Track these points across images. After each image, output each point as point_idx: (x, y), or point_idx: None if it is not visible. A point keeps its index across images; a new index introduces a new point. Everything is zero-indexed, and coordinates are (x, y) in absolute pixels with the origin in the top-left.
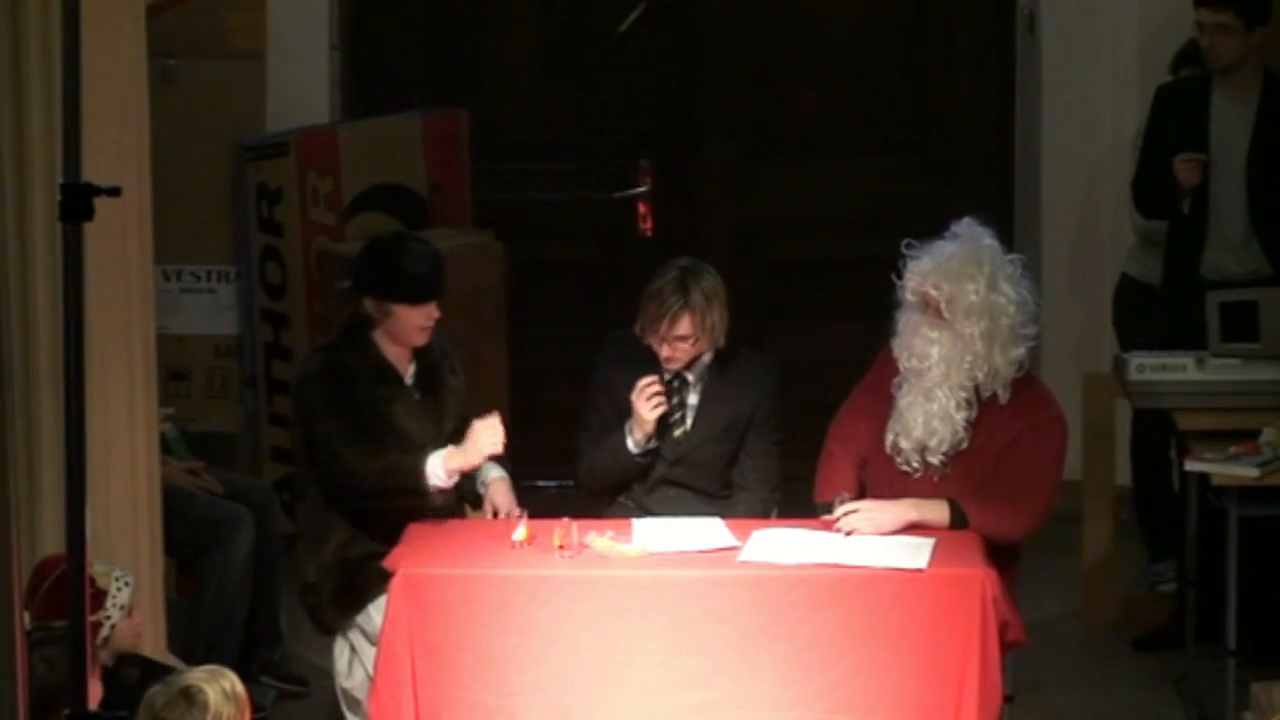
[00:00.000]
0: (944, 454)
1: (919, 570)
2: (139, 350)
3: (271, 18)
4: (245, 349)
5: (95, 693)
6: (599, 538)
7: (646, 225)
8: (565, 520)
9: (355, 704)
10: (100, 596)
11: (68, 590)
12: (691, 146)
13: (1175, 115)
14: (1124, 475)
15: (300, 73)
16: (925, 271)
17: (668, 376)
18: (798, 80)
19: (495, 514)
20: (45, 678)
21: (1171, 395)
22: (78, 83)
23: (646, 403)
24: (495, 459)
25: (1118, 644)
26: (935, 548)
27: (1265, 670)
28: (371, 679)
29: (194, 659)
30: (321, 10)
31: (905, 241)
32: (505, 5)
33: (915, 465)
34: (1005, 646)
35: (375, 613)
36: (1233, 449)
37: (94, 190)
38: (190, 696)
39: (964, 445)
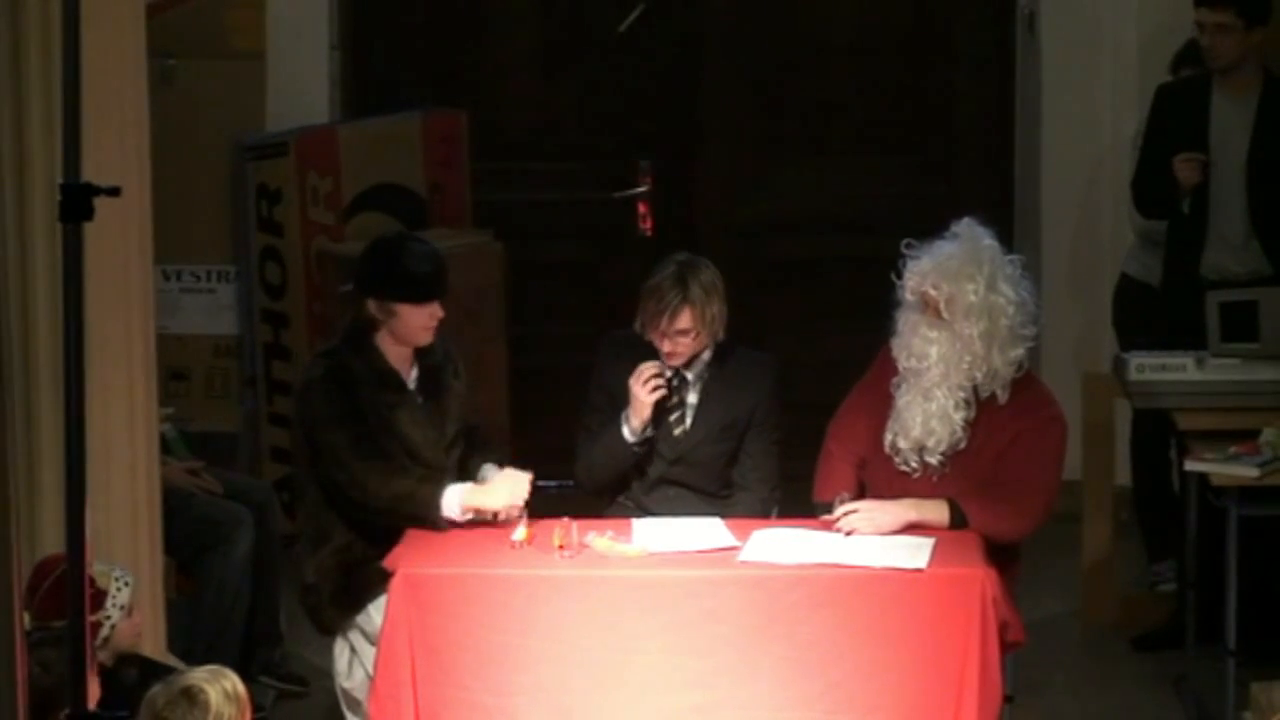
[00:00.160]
0: (942, 454)
1: (919, 570)
2: (139, 350)
3: (271, 18)
4: (245, 349)
5: (93, 692)
6: (599, 538)
7: (646, 225)
8: (565, 520)
9: (355, 704)
10: (100, 596)
11: (68, 590)
12: (691, 146)
13: (1175, 115)
14: (1124, 475)
15: (300, 73)
16: (925, 271)
17: (668, 374)
18: (798, 80)
19: (495, 516)
20: (40, 680)
21: (1171, 395)
22: (78, 83)
23: (644, 387)
24: (495, 461)
25: (1118, 644)
26: (935, 548)
27: (1265, 670)
28: (371, 679)
29: (194, 659)
30: (321, 10)
31: (905, 241)
32: (505, 5)
33: (914, 465)
34: (1005, 646)
35: (375, 613)
36: (1233, 449)
37: (94, 190)
38: (191, 696)
39: (962, 445)
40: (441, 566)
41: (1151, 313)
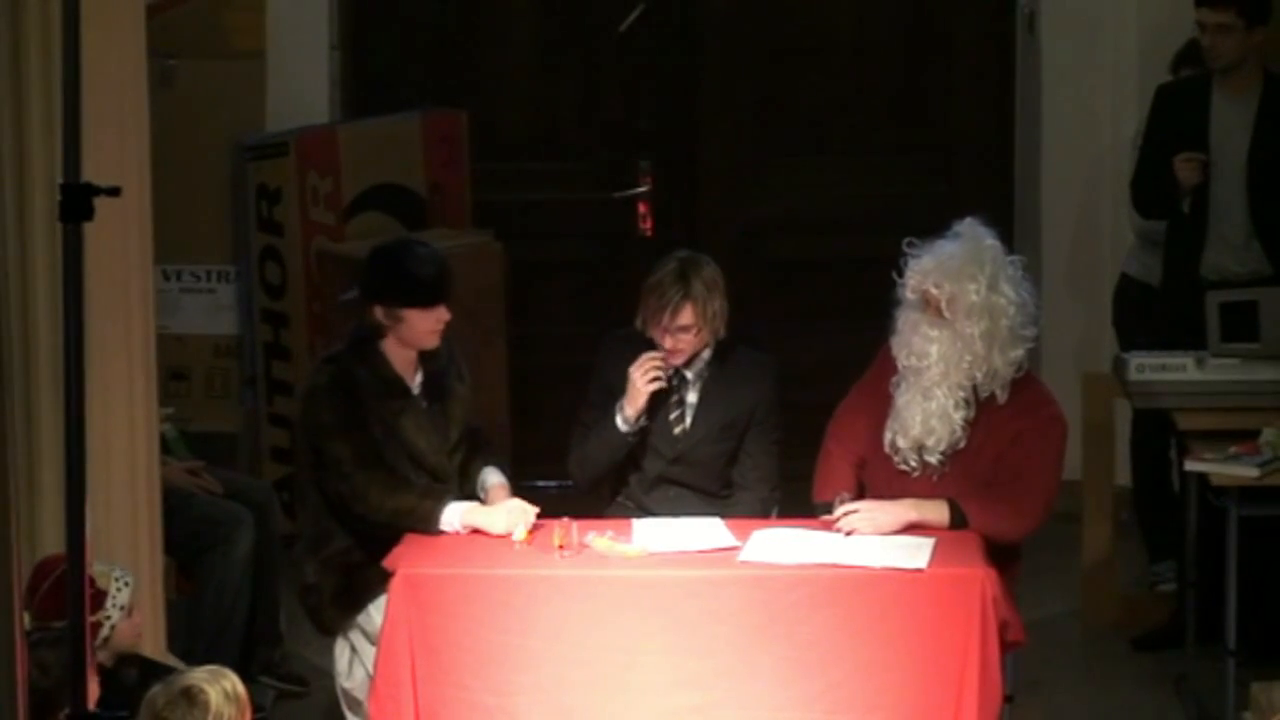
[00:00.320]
0: (942, 453)
1: (919, 570)
2: (139, 350)
3: (271, 18)
4: (245, 349)
5: (91, 692)
6: (599, 538)
7: (646, 225)
8: (565, 520)
9: (355, 704)
10: (100, 596)
11: (68, 590)
12: (691, 147)
13: (1175, 115)
14: (1124, 475)
15: (300, 73)
16: (927, 270)
17: (669, 372)
18: (798, 80)
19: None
20: (38, 682)
21: (1171, 395)
22: (78, 83)
23: (643, 375)
24: (497, 464)
25: (1118, 644)
26: (935, 548)
27: (1265, 670)
28: (371, 679)
29: (194, 659)
30: (321, 10)
31: (906, 240)
32: (505, 5)
33: (913, 464)
34: (1005, 646)
35: (375, 613)
36: (1233, 449)
37: (94, 190)
38: (191, 697)
39: (962, 444)
40: (441, 566)
41: (1151, 313)
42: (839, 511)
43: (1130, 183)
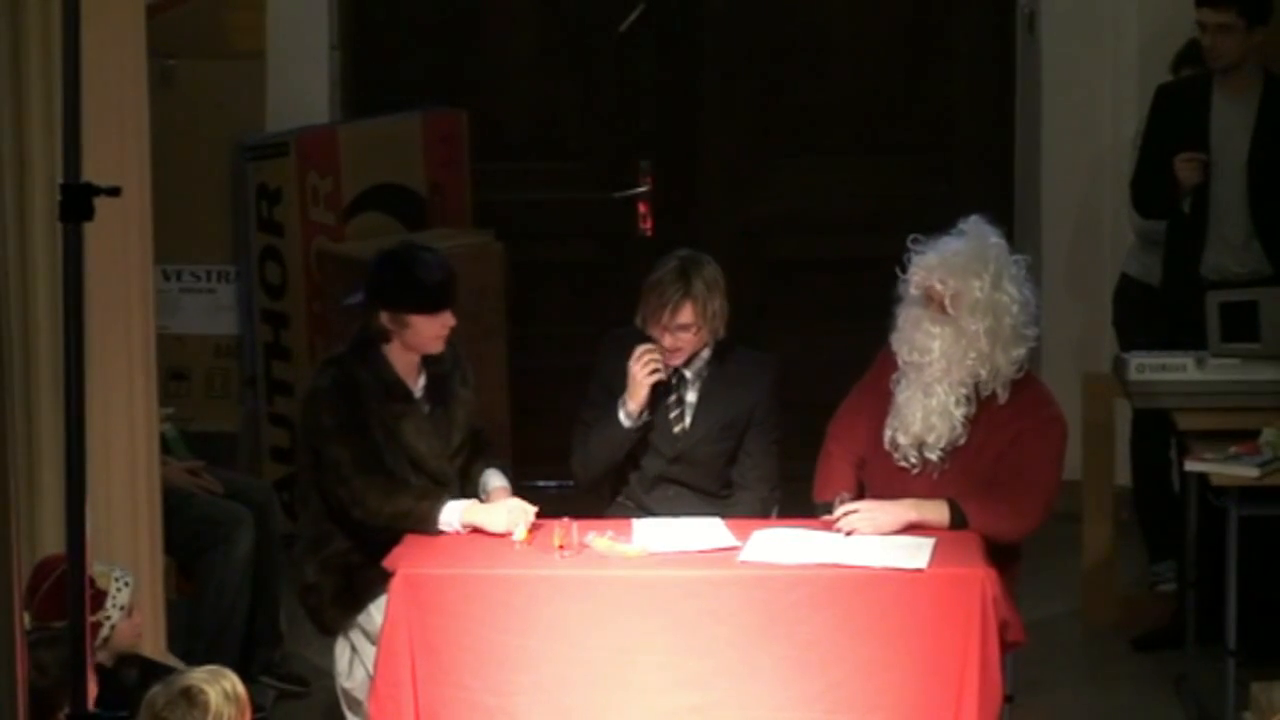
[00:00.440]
0: (942, 450)
1: (919, 570)
2: (139, 350)
3: (271, 18)
4: (245, 349)
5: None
6: (599, 538)
7: (646, 225)
8: (565, 520)
9: (356, 704)
10: (100, 596)
11: (68, 590)
12: (691, 146)
13: (1175, 115)
14: (1124, 475)
15: (300, 73)
16: (931, 265)
17: (668, 371)
18: (798, 80)
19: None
20: (36, 682)
21: (1171, 395)
22: (78, 83)
23: (642, 368)
24: (498, 467)
25: (1118, 644)
26: (935, 548)
27: (1265, 670)
28: (371, 679)
29: (194, 659)
30: (321, 10)
31: (911, 237)
32: (505, 5)
33: (913, 461)
34: (1005, 646)
35: (376, 613)
36: (1233, 449)
37: (94, 190)
38: (191, 697)
39: (962, 442)
40: (441, 566)
41: (1151, 313)
42: (839, 511)
43: (1130, 183)
